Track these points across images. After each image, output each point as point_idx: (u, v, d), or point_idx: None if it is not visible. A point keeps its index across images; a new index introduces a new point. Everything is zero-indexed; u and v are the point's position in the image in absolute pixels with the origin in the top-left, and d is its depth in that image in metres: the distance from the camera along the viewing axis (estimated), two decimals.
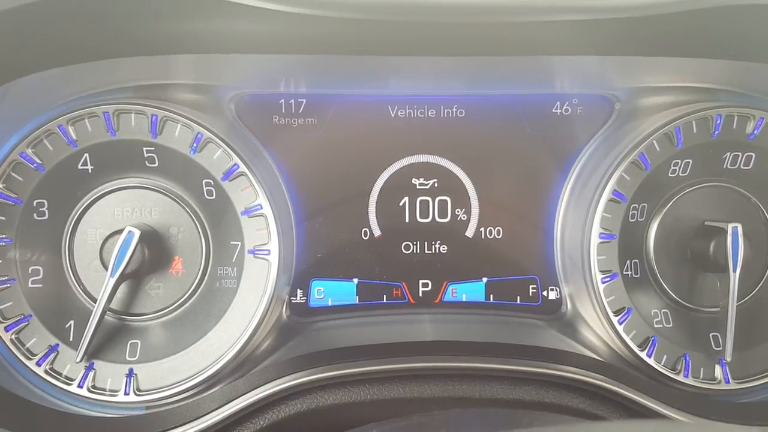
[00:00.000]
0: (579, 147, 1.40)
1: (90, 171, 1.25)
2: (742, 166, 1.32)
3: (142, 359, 1.24)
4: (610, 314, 1.29)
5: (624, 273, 1.30)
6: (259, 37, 1.16)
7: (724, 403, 1.28)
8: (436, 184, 1.40)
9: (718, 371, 1.29)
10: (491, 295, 1.40)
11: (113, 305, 1.23)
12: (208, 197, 1.27)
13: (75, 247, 1.25)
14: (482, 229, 1.40)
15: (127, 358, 1.24)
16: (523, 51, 1.22)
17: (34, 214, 1.24)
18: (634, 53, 1.26)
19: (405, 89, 1.38)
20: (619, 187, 1.30)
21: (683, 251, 1.32)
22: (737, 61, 1.29)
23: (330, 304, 1.39)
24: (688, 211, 1.32)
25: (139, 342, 1.25)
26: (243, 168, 1.26)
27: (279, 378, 1.13)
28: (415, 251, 1.40)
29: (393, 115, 1.38)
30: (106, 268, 1.19)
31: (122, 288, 1.24)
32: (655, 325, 1.30)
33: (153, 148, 1.26)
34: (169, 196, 1.27)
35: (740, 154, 1.31)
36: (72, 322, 1.24)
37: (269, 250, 1.26)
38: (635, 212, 1.31)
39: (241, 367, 1.26)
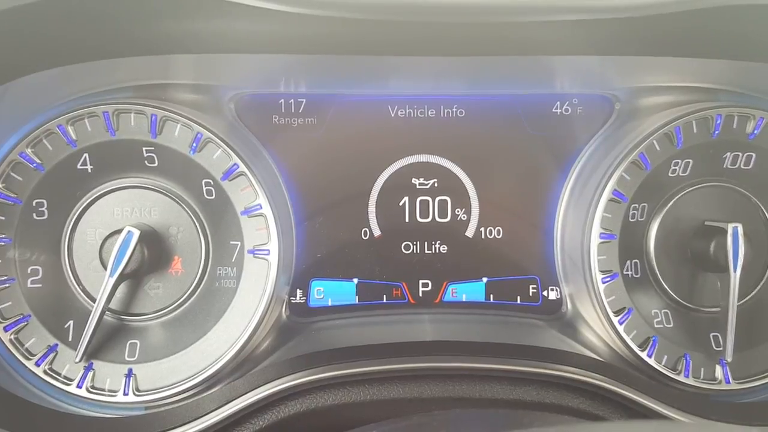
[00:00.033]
0: (579, 147, 1.40)
1: (89, 171, 1.25)
2: (742, 166, 1.32)
3: (142, 359, 1.24)
4: (611, 314, 1.28)
5: (624, 273, 1.30)
6: (259, 36, 1.16)
7: (725, 403, 1.28)
8: (436, 184, 1.39)
9: (718, 371, 1.29)
10: (491, 295, 1.40)
11: (112, 305, 1.23)
12: (207, 197, 1.27)
13: (74, 246, 1.25)
14: (482, 229, 1.40)
15: (127, 358, 1.24)
16: (523, 51, 1.22)
17: (34, 214, 1.24)
18: (635, 53, 1.26)
19: (405, 89, 1.38)
20: (619, 187, 1.30)
21: (683, 251, 1.32)
22: (737, 60, 1.29)
23: (330, 304, 1.39)
24: (689, 211, 1.32)
25: (138, 342, 1.25)
26: (243, 168, 1.26)
27: (279, 378, 1.13)
28: (415, 251, 1.40)
29: (393, 115, 1.38)
30: (106, 268, 1.19)
31: (121, 288, 1.24)
32: (656, 325, 1.30)
33: (153, 148, 1.25)
34: (169, 196, 1.27)
35: (740, 153, 1.31)
36: (71, 322, 1.24)
37: (269, 250, 1.26)
38: (635, 212, 1.31)
39: (241, 368, 1.25)
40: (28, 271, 1.24)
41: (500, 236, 1.40)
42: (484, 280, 1.40)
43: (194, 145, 1.26)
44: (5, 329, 1.22)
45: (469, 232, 1.40)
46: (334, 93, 1.36)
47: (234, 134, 1.29)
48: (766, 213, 1.33)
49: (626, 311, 1.29)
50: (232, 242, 1.27)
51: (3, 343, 1.22)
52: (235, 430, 1.12)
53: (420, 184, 1.39)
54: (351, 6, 1.00)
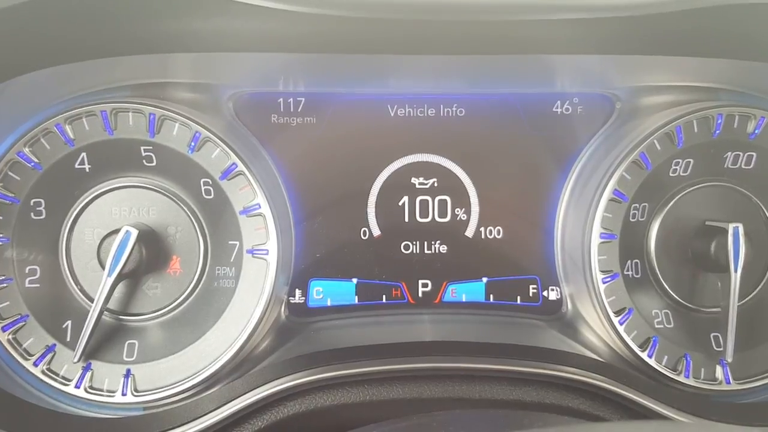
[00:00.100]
0: (579, 146, 1.39)
1: (87, 170, 1.24)
2: (743, 166, 1.32)
3: (140, 359, 1.23)
4: (611, 314, 1.28)
5: (625, 273, 1.30)
6: (258, 35, 1.15)
7: (725, 403, 1.28)
8: (435, 184, 1.39)
9: (719, 372, 1.29)
10: (491, 295, 1.40)
11: (110, 305, 1.23)
12: (206, 196, 1.27)
13: (72, 246, 1.25)
14: (482, 228, 1.40)
15: (125, 359, 1.23)
16: (524, 50, 1.22)
17: (31, 214, 1.23)
18: (635, 52, 1.25)
19: (404, 88, 1.37)
20: (619, 187, 1.29)
21: (684, 251, 1.31)
22: (738, 60, 1.29)
23: (329, 304, 1.38)
24: (689, 211, 1.31)
25: (136, 342, 1.25)
26: (241, 167, 1.25)
27: (278, 378, 1.13)
28: (414, 251, 1.39)
29: (392, 114, 1.38)
30: (104, 268, 1.18)
31: (120, 288, 1.23)
32: (656, 326, 1.30)
33: (151, 147, 1.25)
34: (167, 196, 1.27)
35: (741, 153, 1.31)
36: (69, 322, 1.23)
37: (268, 250, 1.26)
38: (636, 212, 1.31)
39: (240, 368, 1.25)
40: (26, 271, 1.23)
41: (500, 236, 1.40)
42: (484, 280, 1.40)
43: (192, 144, 1.25)
44: (3, 329, 1.22)
45: (469, 232, 1.40)
46: (333, 92, 1.36)
47: (232, 133, 1.29)
48: (766, 213, 1.33)
49: (627, 311, 1.29)
50: (230, 242, 1.27)
51: (1, 343, 1.22)
52: (234, 431, 1.11)
53: (420, 183, 1.39)
54: (350, 4, 1.00)
